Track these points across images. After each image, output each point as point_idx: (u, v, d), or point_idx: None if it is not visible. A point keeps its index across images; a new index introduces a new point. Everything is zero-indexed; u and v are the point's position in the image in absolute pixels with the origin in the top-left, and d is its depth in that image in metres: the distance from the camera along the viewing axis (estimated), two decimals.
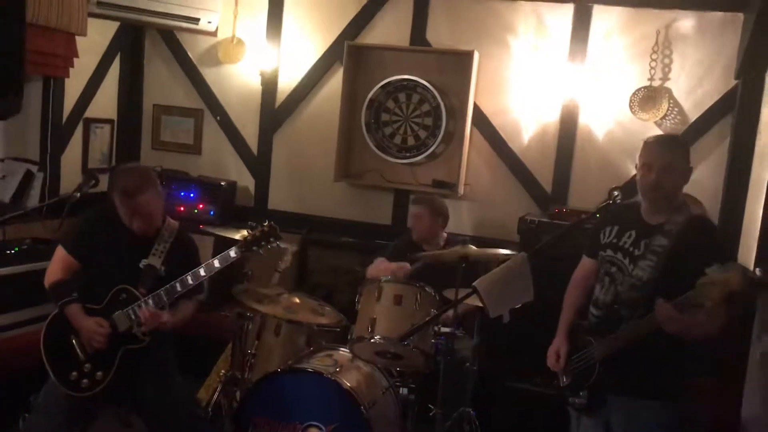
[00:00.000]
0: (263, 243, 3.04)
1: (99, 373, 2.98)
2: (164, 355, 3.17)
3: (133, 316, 2.97)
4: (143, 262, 3.04)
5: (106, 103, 5.28)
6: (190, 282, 3.00)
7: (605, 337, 2.66)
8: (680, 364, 2.63)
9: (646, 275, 2.58)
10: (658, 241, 2.58)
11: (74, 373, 2.98)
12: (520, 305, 3.00)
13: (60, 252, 3.11)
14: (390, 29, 4.91)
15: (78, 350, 3.00)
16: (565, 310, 2.93)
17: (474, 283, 2.52)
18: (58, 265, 3.09)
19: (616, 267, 2.70)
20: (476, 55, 4.64)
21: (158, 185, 3.08)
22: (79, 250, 3.08)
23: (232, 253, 3.02)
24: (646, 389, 2.61)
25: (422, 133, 4.85)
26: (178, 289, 2.99)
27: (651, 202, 2.66)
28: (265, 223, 3.05)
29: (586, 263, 2.94)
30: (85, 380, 2.97)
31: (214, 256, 4.89)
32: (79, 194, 2.95)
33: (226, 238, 3.92)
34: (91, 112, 5.13)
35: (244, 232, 3.84)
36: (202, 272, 3.01)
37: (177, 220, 3.23)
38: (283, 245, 4.04)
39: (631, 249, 2.66)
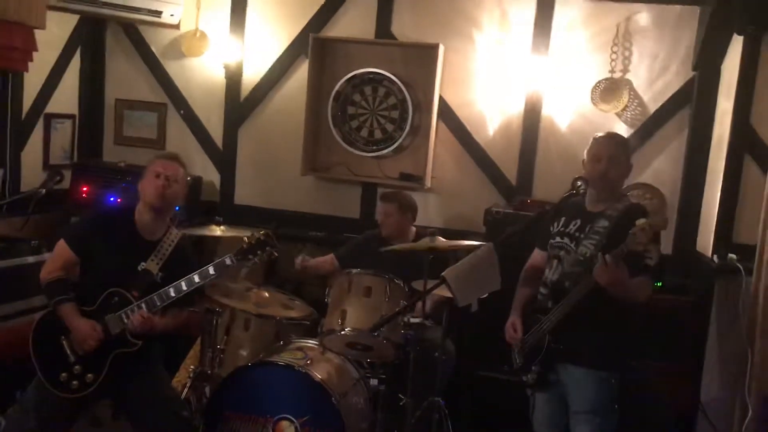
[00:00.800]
0: (259, 252, 3.00)
1: (89, 376, 2.94)
2: (153, 358, 3.14)
3: (125, 320, 2.94)
4: (141, 266, 3.02)
5: (67, 97, 5.19)
6: (184, 288, 2.97)
7: (552, 310, 2.86)
8: (623, 335, 2.87)
9: (589, 251, 2.83)
10: (600, 223, 2.85)
11: (63, 374, 2.93)
12: (487, 294, 3.08)
13: (61, 246, 3.08)
14: (355, 22, 4.91)
15: (68, 351, 2.96)
16: (518, 295, 3.14)
17: (443, 273, 2.56)
18: (56, 259, 3.07)
19: (563, 250, 2.94)
20: (441, 48, 4.68)
21: (186, 178, 3.21)
22: (80, 246, 3.05)
23: (228, 261, 2.99)
24: (592, 358, 2.81)
25: (389, 126, 4.88)
26: (172, 294, 2.96)
27: (598, 191, 2.92)
28: (261, 232, 3.02)
29: (536, 254, 3.18)
30: (75, 382, 2.93)
31: None
32: (44, 190, 2.89)
33: (193, 234, 3.92)
34: (51, 107, 5.03)
35: (212, 226, 3.86)
36: (196, 279, 2.98)
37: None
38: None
39: (577, 234, 2.92)
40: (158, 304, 2.96)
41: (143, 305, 2.95)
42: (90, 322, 2.94)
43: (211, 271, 2.99)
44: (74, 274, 3.11)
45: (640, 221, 2.58)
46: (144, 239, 3.08)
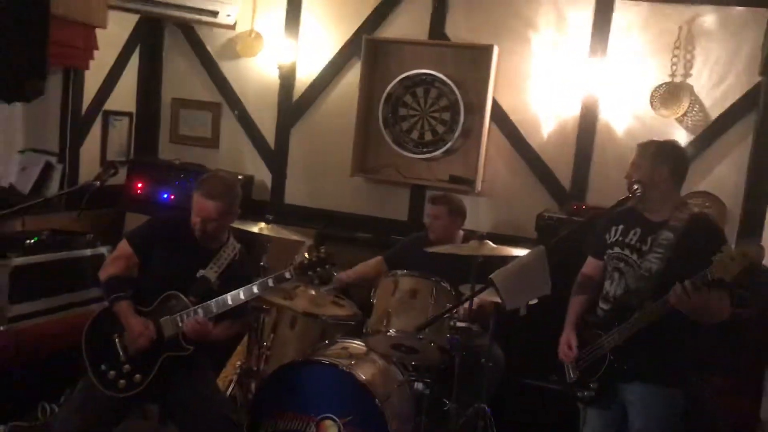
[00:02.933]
0: (318, 269, 2.99)
1: (137, 376, 2.97)
2: (202, 366, 3.16)
3: (180, 323, 2.97)
4: (199, 273, 3.06)
5: (125, 95, 5.31)
6: (242, 297, 2.98)
7: (616, 327, 2.75)
8: (691, 351, 2.77)
9: (655, 266, 2.71)
10: (664, 235, 2.74)
11: (112, 372, 2.97)
12: (537, 300, 3.00)
13: (123, 246, 3.14)
14: (409, 23, 4.89)
15: (119, 350, 2.99)
16: (572, 308, 3.04)
17: (490, 276, 2.51)
18: (118, 258, 3.13)
19: (624, 262, 2.83)
20: (495, 50, 4.62)
21: (235, 202, 3.12)
22: (142, 247, 3.11)
23: (287, 275, 2.99)
24: (659, 375, 2.72)
25: (440, 128, 4.83)
26: (229, 303, 2.98)
27: (635, 195, 2.80)
28: (322, 249, 3.02)
29: (591, 263, 3.07)
30: (122, 381, 2.96)
31: None
32: (98, 183, 2.95)
33: (243, 230, 3.94)
34: (110, 104, 5.16)
35: (262, 225, 3.88)
36: (255, 290, 2.99)
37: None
38: (299, 238, 4.08)
39: (638, 245, 2.80)
40: (214, 311, 2.98)
41: (200, 310, 2.96)
42: (144, 320, 2.97)
43: (270, 283, 2.99)
44: (133, 274, 3.16)
45: (728, 248, 2.43)
46: (202, 247, 3.11)
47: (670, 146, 2.91)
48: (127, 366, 2.98)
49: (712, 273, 2.45)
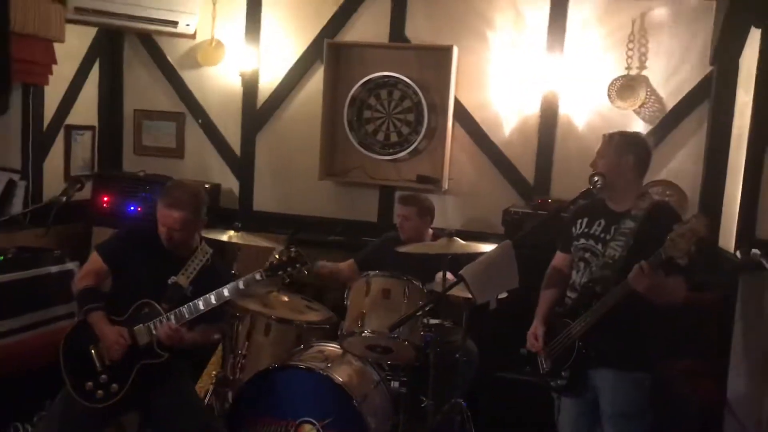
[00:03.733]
0: (289, 269, 3.03)
1: (114, 386, 2.97)
2: (180, 372, 3.16)
3: (154, 331, 2.97)
4: (171, 279, 3.06)
5: (86, 109, 5.26)
6: (213, 302, 3.00)
7: (582, 315, 2.82)
8: (657, 335, 2.85)
9: (617, 254, 2.79)
10: (626, 224, 2.82)
11: (89, 383, 2.97)
12: (507, 293, 3.06)
13: (94, 258, 3.15)
14: (369, 26, 4.93)
15: (96, 360, 2.99)
16: (542, 300, 3.10)
17: (460, 271, 2.55)
18: (90, 270, 3.14)
19: (589, 252, 2.90)
20: (455, 50, 4.68)
21: (201, 210, 3.11)
22: (113, 258, 3.11)
23: (258, 276, 3.02)
24: (626, 360, 2.79)
25: (405, 129, 4.88)
26: (201, 307, 2.99)
27: (607, 189, 2.87)
28: (292, 249, 3.04)
29: (559, 257, 3.13)
30: (100, 391, 2.96)
31: None
32: (65, 198, 2.94)
33: (212, 239, 3.94)
34: (71, 118, 5.10)
35: (231, 233, 3.89)
36: (225, 293, 3.00)
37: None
38: (270, 245, 4.08)
39: (602, 235, 2.88)
40: (187, 316, 2.99)
41: (172, 317, 2.97)
42: (118, 328, 2.98)
43: (241, 285, 3.01)
44: (105, 285, 3.17)
45: (680, 226, 2.52)
46: (174, 254, 3.12)
47: (636, 137, 3.01)
48: (104, 376, 2.98)
49: (666, 251, 2.54)
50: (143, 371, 2.99)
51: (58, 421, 3.00)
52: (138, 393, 3.00)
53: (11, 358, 3.73)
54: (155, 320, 2.99)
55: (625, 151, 2.87)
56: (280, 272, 3.02)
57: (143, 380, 2.99)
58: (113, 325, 2.99)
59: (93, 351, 3.00)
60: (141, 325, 2.99)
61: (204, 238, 3.31)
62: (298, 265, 3.03)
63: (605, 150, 2.92)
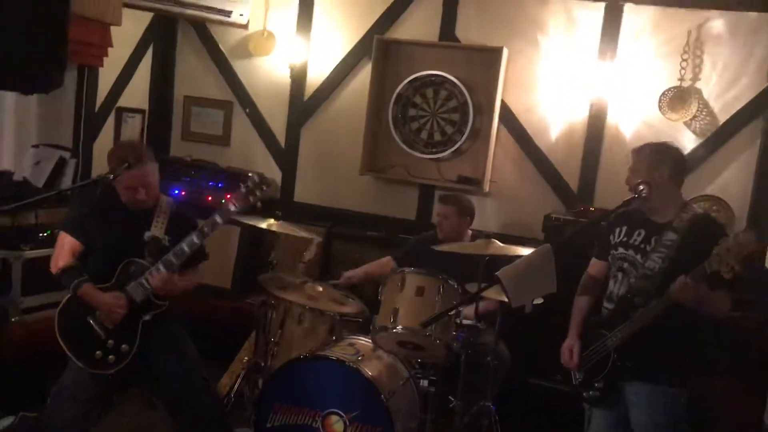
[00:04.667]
0: (258, 192, 3.05)
1: (124, 346, 3.04)
2: (177, 329, 3.21)
3: (147, 285, 3.03)
4: (147, 234, 3.10)
5: (138, 92, 5.38)
6: (196, 241, 3.04)
7: (619, 326, 2.76)
8: (695, 351, 2.78)
9: (657, 265, 2.74)
10: (668, 236, 2.76)
11: (98, 352, 3.03)
12: (542, 299, 3.02)
13: (63, 237, 3.17)
14: (419, 24, 4.93)
15: (97, 329, 3.05)
16: (576, 310, 3.06)
17: (497, 272, 2.53)
18: (63, 250, 3.15)
19: (627, 263, 2.85)
20: (505, 52, 4.65)
21: (152, 155, 3.17)
22: (81, 232, 3.15)
23: (231, 206, 3.04)
24: (662, 374, 2.73)
25: (449, 129, 4.86)
26: (186, 250, 3.04)
27: (640, 195, 2.81)
28: (253, 174, 3.08)
29: (595, 264, 3.09)
30: (111, 356, 3.03)
31: (239, 245, 4.98)
32: (112, 177, 3.00)
33: (252, 226, 3.99)
34: (123, 101, 5.23)
35: (271, 221, 3.93)
36: (206, 229, 3.05)
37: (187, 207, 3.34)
38: (308, 236, 4.11)
39: (642, 245, 2.82)
40: (175, 261, 3.04)
41: (161, 266, 3.02)
42: (112, 293, 3.03)
43: (217, 218, 3.04)
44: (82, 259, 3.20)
45: (727, 241, 2.45)
46: (140, 210, 3.15)
47: (666, 147, 2.90)
48: (110, 341, 3.04)
49: (711, 265, 2.48)
50: (147, 326, 3.06)
51: (72, 397, 3.06)
52: (148, 350, 3.07)
53: (53, 330, 3.83)
54: (146, 275, 3.03)
55: (658, 163, 2.80)
56: (251, 197, 3.04)
57: (149, 335, 3.06)
58: (106, 292, 3.04)
59: (92, 321, 3.05)
60: (133, 283, 3.04)
61: (244, 225, 3.34)
62: (264, 187, 3.04)
63: (637, 164, 2.85)
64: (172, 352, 3.14)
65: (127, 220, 3.13)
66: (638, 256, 2.81)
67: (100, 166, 4.92)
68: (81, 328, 3.06)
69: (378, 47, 4.88)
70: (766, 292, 4.00)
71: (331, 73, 5.15)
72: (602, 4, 4.53)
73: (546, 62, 4.68)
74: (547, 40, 4.67)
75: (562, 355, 2.98)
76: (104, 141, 5.08)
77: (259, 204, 3.08)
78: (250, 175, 3.08)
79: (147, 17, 5.26)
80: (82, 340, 3.06)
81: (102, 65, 4.77)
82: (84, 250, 3.15)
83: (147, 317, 3.06)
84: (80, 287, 3.04)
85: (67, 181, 4.71)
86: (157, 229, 3.12)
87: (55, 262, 3.14)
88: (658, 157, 2.82)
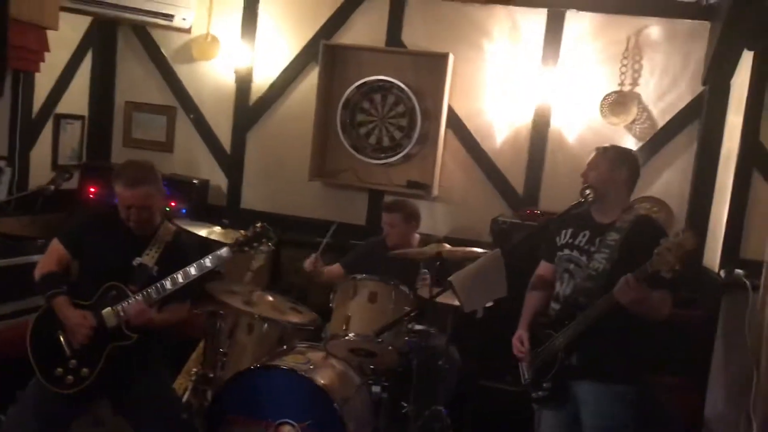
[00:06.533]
0: (255, 244, 3.01)
1: (84, 370, 2.93)
2: (152, 355, 3.13)
3: (122, 313, 2.94)
4: (136, 261, 3.02)
5: (77, 98, 5.22)
6: (180, 280, 2.96)
7: (566, 326, 2.82)
8: (641, 349, 2.85)
9: (602, 266, 2.80)
10: (611, 236, 2.83)
11: (59, 369, 2.93)
12: (492, 303, 3.06)
13: (54, 244, 3.10)
14: (366, 30, 4.94)
15: (64, 346, 2.95)
16: (526, 307, 3.11)
17: (449, 278, 2.55)
18: (50, 257, 3.08)
19: (573, 263, 2.91)
20: (451, 58, 4.69)
21: (160, 183, 3.08)
22: (73, 244, 3.07)
23: (224, 253, 2.99)
24: (609, 373, 2.79)
25: (397, 134, 4.88)
26: (168, 287, 2.96)
27: (598, 201, 2.89)
28: (258, 224, 3.02)
29: (543, 266, 3.14)
30: (70, 377, 2.92)
31: None
32: (53, 187, 2.90)
33: (197, 235, 3.91)
34: (61, 107, 5.06)
35: (217, 229, 3.86)
36: (192, 271, 2.97)
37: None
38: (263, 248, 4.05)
39: (586, 246, 2.89)
40: (155, 296, 2.96)
41: (140, 298, 2.95)
42: (81, 311, 2.94)
43: (207, 263, 2.98)
44: (69, 273, 3.12)
45: (668, 240, 2.52)
46: (138, 235, 3.08)
47: (629, 152, 3.04)
48: (73, 361, 2.94)
49: (652, 265, 2.54)
50: (113, 355, 2.96)
51: (31, 409, 2.96)
52: (109, 378, 2.97)
53: None
54: (123, 303, 2.95)
55: (619, 165, 2.90)
56: (246, 248, 3.00)
57: (114, 364, 2.96)
58: (77, 309, 2.95)
59: (61, 336, 2.96)
60: (109, 307, 2.96)
61: (189, 234, 3.28)
62: (264, 240, 3.01)
63: (598, 162, 2.92)
64: (145, 391, 3.03)
65: (123, 242, 3.04)
66: (583, 257, 2.88)
67: (37, 174, 4.77)
68: (50, 341, 2.96)
69: (325, 52, 4.86)
70: (705, 289, 4.15)
71: (277, 78, 5.11)
72: (545, 11, 4.63)
73: (491, 68, 4.75)
74: (492, 46, 4.74)
75: (514, 345, 3.02)
76: (41, 149, 4.92)
77: (253, 253, 3.04)
78: (259, 224, 3.00)
79: (86, 21, 5.11)
80: (48, 353, 2.96)
81: (39, 70, 4.61)
82: (72, 261, 3.07)
83: (114, 345, 2.95)
84: (54, 298, 2.95)
85: (2, 191, 4.54)
86: (148, 258, 3.03)
87: (40, 267, 3.06)
88: (621, 159, 2.92)
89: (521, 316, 3.09)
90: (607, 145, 3.03)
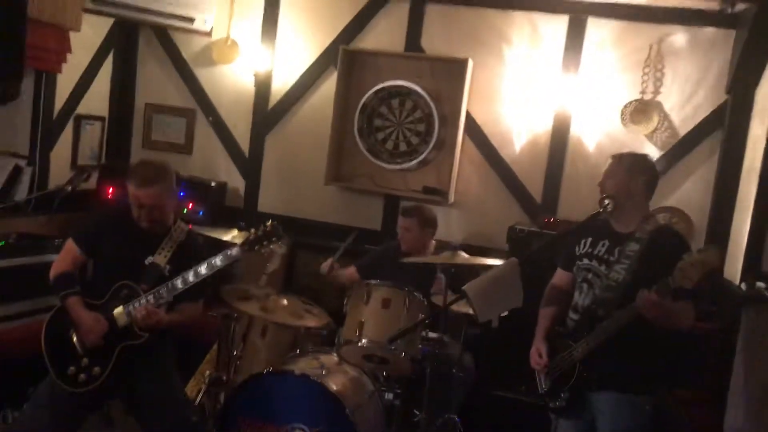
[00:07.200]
0: (265, 242, 3.00)
1: (96, 369, 2.95)
2: (163, 355, 3.14)
3: (133, 312, 2.95)
4: (148, 260, 3.03)
5: (97, 99, 5.26)
6: (191, 279, 2.97)
7: (584, 337, 2.79)
8: (658, 360, 2.82)
9: (621, 277, 2.76)
10: (631, 246, 2.78)
11: (72, 368, 2.95)
12: (507, 312, 3.03)
13: (69, 244, 3.13)
14: (385, 35, 4.93)
15: (77, 345, 2.98)
16: (542, 318, 3.07)
17: (463, 287, 2.53)
18: (65, 256, 3.11)
19: (592, 273, 2.87)
20: (470, 63, 4.67)
21: (173, 182, 3.10)
22: (87, 243, 3.10)
23: (234, 251, 2.99)
24: (627, 384, 2.76)
25: (414, 140, 4.86)
26: (179, 286, 2.97)
27: (616, 209, 2.83)
28: (268, 222, 3.02)
29: (560, 275, 3.11)
30: (82, 375, 2.95)
31: None
32: (70, 188, 2.92)
33: (214, 239, 3.92)
34: (82, 108, 5.10)
35: (234, 232, 3.86)
36: (203, 270, 2.97)
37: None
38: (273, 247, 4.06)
39: (606, 256, 2.85)
40: (165, 296, 2.97)
41: (150, 297, 2.95)
42: (94, 314, 2.96)
43: (218, 262, 2.98)
44: (85, 271, 3.15)
45: (689, 255, 2.49)
46: (148, 234, 3.09)
47: (646, 159, 2.98)
48: (85, 360, 2.96)
49: (675, 280, 2.51)
50: (125, 353, 2.97)
51: (44, 407, 2.98)
52: (121, 376, 2.99)
53: (8, 344, 3.73)
54: (133, 301, 2.97)
55: (636, 173, 2.85)
56: (256, 247, 2.99)
57: (125, 363, 2.98)
58: (90, 310, 2.97)
59: (73, 335, 2.99)
60: (120, 306, 2.97)
61: (207, 237, 3.29)
62: (274, 239, 3.00)
63: (614, 170, 2.89)
64: (156, 391, 3.05)
65: (137, 241, 3.06)
66: (602, 267, 2.84)
67: (57, 174, 4.81)
68: (63, 339, 2.99)
69: (344, 57, 4.86)
70: (725, 302, 4.08)
71: (296, 82, 5.11)
72: (566, 17, 4.59)
73: (510, 74, 4.71)
74: (512, 51, 4.71)
75: (531, 357, 2.99)
76: (62, 149, 4.96)
77: (264, 252, 3.02)
78: (269, 222, 3.00)
79: (107, 23, 5.15)
80: (61, 351, 2.98)
81: (60, 71, 4.65)
82: (87, 260, 3.10)
83: (125, 344, 2.97)
84: (67, 298, 2.98)
85: (23, 190, 4.57)
86: (160, 257, 3.04)
87: (56, 267, 3.09)
88: (638, 167, 2.87)
89: (537, 327, 3.06)
90: (623, 152, 2.99)
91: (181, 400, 3.22)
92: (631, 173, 2.85)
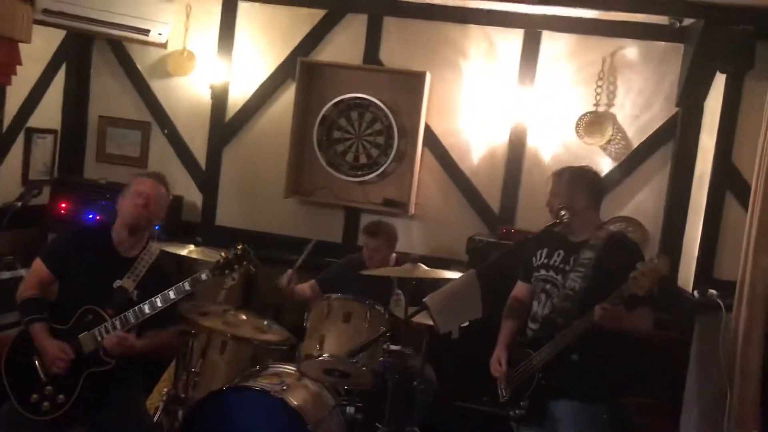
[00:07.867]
0: (236, 266, 2.97)
1: (61, 396, 2.87)
2: (131, 381, 3.07)
3: (99, 338, 2.88)
4: (116, 283, 2.97)
5: (49, 112, 5.14)
6: (159, 304, 2.91)
7: (543, 346, 2.84)
8: (615, 368, 2.88)
9: (578, 285, 2.83)
10: (585, 254, 2.86)
11: (35, 396, 2.86)
12: (468, 323, 3.04)
13: (37, 264, 3.05)
14: (343, 47, 4.93)
15: (40, 372, 2.88)
16: (504, 328, 3.13)
17: (424, 299, 2.53)
18: (32, 278, 3.04)
19: (550, 284, 2.94)
20: (428, 76, 4.70)
21: (168, 197, 3.16)
22: (55, 264, 3.02)
23: (204, 276, 2.94)
24: (586, 392, 2.81)
25: (374, 152, 4.87)
26: (147, 311, 2.90)
27: (562, 220, 2.92)
28: (239, 246, 2.98)
29: (520, 286, 3.18)
30: (46, 403, 2.85)
31: None
32: (20, 204, 2.84)
33: (171, 253, 3.85)
34: (33, 121, 4.98)
35: (191, 247, 3.80)
36: (171, 294, 2.92)
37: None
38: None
39: (561, 266, 2.92)
40: (132, 321, 2.90)
41: (117, 323, 2.88)
42: (59, 343, 2.88)
43: (187, 286, 2.93)
44: (51, 293, 3.06)
45: (644, 265, 2.57)
46: (120, 256, 3.03)
47: (584, 172, 3.03)
48: (49, 388, 2.87)
49: (628, 289, 2.60)
50: (91, 381, 2.89)
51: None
52: (86, 404, 2.90)
53: None
54: (100, 327, 2.89)
55: (576, 188, 2.94)
56: (227, 271, 2.96)
57: (91, 390, 2.90)
58: (55, 338, 2.89)
59: (37, 362, 2.89)
60: (86, 332, 2.90)
61: (162, 250, 3.23)
62: (245, 263, 2.98)
63: (556, 189, 2.97)
64: (122, 418, 2.97)
65: (106, 263, 3.00)
66: (559, 277, 2.90)
67: (7, 189, 4.66)
68: (26, 365, 2.89)
69: (302, 69, 4.85)
70: (679, 310, 4.17)
71: (254, 94, 5.07)
72: (521, 31, 4.66)
73: (468, 87, 4.76)
74: (469, 65, 4.76)
75: (492, 365, 3.03)
76: (12, 163, 4.83)
77: (234, 276, 2.99)
78: (239, 246, 2.98)
79: (60, 35, 5.04)
80: (23, 377, 2.89)
81: (10, 83, 4.52)
82: (55, 280, 3.03)
83: (91, 371, 2.89)
84: (32, 324, 2.89)
85: None
86: (128, 281, 2.98)
87: (23, 288, 3.02)
88: (576, 183, 2.94)
89: (499, 336, 3.10)
90: (561, 168, 3.07)
91: (149, 426, 3.14)
92: (571, 189, 2.93)
